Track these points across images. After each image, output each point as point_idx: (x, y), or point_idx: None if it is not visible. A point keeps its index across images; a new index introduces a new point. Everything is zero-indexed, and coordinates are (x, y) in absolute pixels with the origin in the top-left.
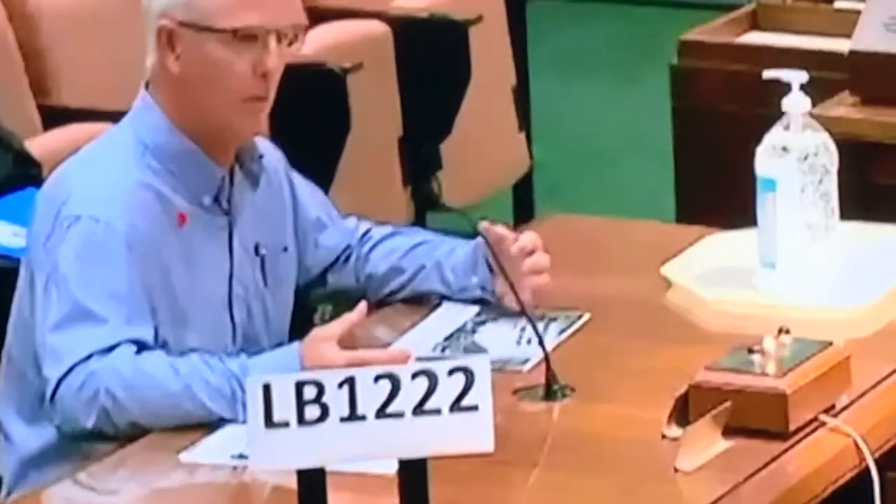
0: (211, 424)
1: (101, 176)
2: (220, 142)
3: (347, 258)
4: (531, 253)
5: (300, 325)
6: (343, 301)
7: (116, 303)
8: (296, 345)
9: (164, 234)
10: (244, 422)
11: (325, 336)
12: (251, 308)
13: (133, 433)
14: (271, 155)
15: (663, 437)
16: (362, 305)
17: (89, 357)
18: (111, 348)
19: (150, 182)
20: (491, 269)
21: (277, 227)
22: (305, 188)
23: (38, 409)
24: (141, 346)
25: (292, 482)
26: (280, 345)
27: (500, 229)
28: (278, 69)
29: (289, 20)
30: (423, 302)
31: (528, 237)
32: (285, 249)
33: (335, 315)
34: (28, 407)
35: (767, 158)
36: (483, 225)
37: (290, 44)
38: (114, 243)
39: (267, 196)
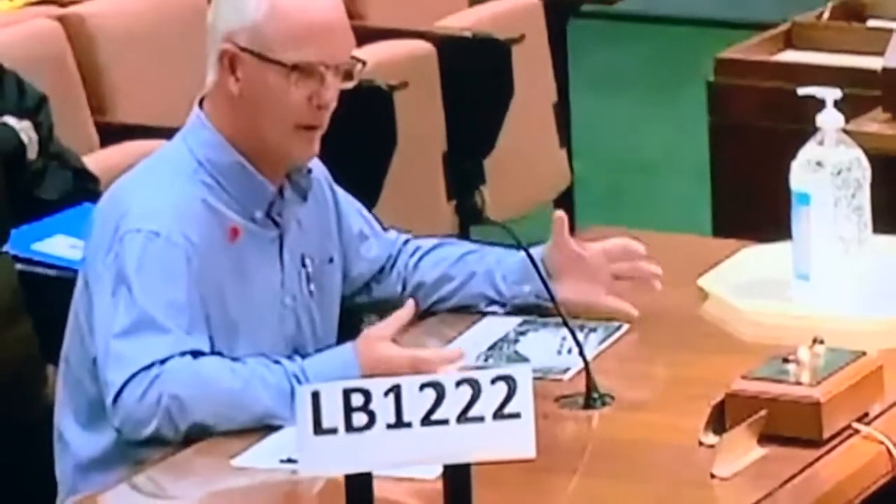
0: (262, 430)
1: (157, 191)
2: (272, 161)
3: (392, 268)
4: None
5: (347, 336)
6: (388, 311)
7: (178, 313)
8: (349, 345)
9: (218, 247)
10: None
11: (379, 335)
12: (300, 319)
13: (191, 437)
14: (317, 169)
15: (700, 444)
16: (410, 303)
17: (152, 365)
18: (174, 356)
19: (204, 197)
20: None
21: (323, 238)
22: (348, 202)
23: (93, 415)
24: (199, 355)
25: (340, 488)
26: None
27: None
28: (334, 100)
29: (346, 56)
30: (467, 313)
31: (616, 242)
32: (331, 261)
33: None
34: (84, 413)
35: (802, 173)
36: (557, 214)
37: (345, 77)
38: (173, 256)
39: (314, 209)
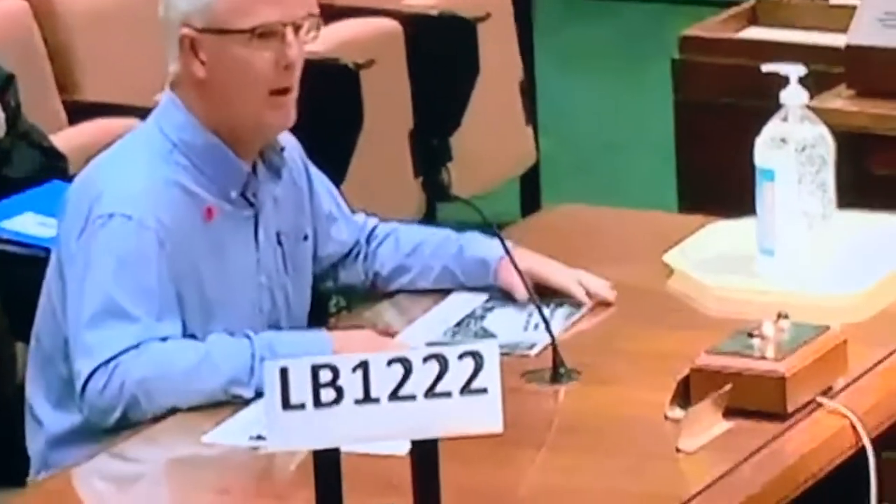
0: (233, 406)
1: (131, 174)
2: (246, 138)
3: (357, 255)
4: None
5: (316, 315)
6: (354, 293)
7: (148, 299)
8: (323, 331)
9: (193, 228)
10: (259, 393)
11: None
12: (275, 297)
13: (160, 417)
14: (290, 145)
15: (666, 418)
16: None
17: (120, 354)
18: (138, 345)
19: (179, 179)
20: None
21: (298, 215)
22: (320, 180)
23: (64, 393)
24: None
25: (308, 462)
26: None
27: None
28: (300, 59)
29: (304, 11)
30: (432, 291)
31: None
32: (305, 238)
33: (348, 306)
34: (55, 391)
35: (766, 149)
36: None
37: (307, 33)
38: (145, 240)
39: (288, 186)
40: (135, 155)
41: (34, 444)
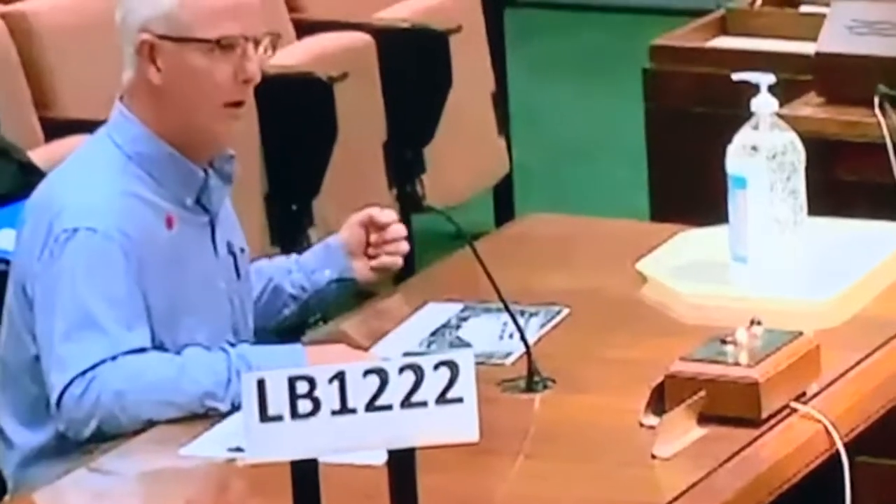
0: (210, 419)
1: (90, 188)
2: (197, 146)
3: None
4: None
5: (298, 329)
6: (330, 307)
7: (117, 309)
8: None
9: (155, 238)
10: (236, 406)
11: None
12: (233, 302)
13: (136, 430)
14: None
15: (641, 425)
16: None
17: (95, 365)
18: (114, 357)
19: (137, 190)
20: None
21: (237, 227)
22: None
23: (35, 412)
24: (139, 353)
25: (286, 473)
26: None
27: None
28: (257, 75)
29: (264, 27)
30: (407, 302)
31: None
32: (243, 251)
33: (324, 318)
34: (26, 411)
35: (738, 157)
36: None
37: (265, 51)
38: (111, 252)
39: (229, 198)
40: (91, 169)
41: (7, 465)
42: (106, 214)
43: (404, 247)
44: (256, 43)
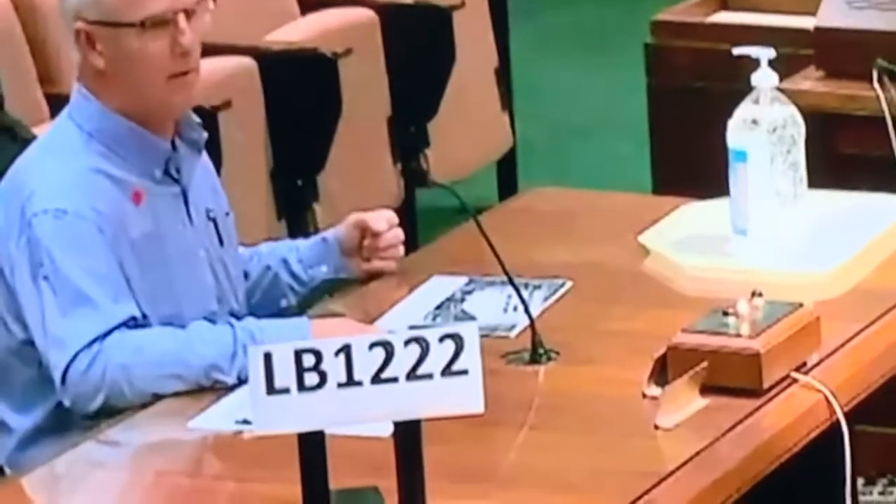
0: (217, 392)
1: (56, 169)
2: (157, 118)
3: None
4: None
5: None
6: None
7: (101, 283)
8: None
9: (126, 213)
10: (242, 379)
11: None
12: (216, 270)
13: (143, 403)
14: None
15: (644, 396)
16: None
17: (93, 342)
18: (110, 331)
19: (101, 167)
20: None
21: (216, 196)
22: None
23: (27, 396)
24: (134, 323)
25: (292, 444)
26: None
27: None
28: (195, 43)
29: None
30: (412, 275)
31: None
32: (227, 214)
33: (297, 304)
34: (18, 396)
35: (738, 131)
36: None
37: (204, 13)
38: (84, 229)
39: (206, 164)
40: (55, 150)
41: (4, 448)
42: (75, 193)
43: (399, 252)
44: (188, 13)
